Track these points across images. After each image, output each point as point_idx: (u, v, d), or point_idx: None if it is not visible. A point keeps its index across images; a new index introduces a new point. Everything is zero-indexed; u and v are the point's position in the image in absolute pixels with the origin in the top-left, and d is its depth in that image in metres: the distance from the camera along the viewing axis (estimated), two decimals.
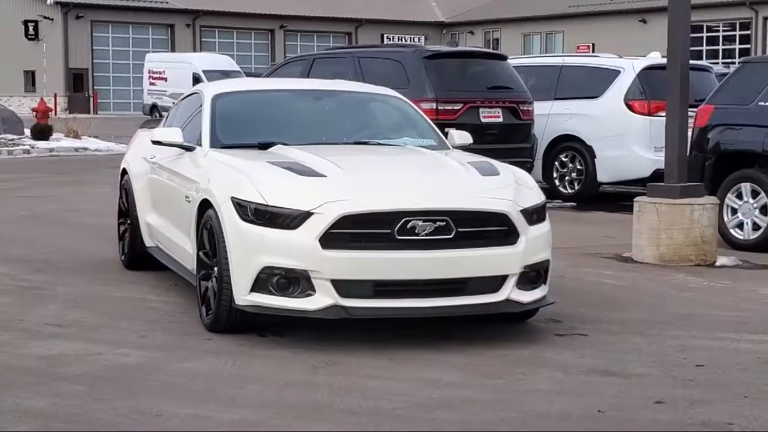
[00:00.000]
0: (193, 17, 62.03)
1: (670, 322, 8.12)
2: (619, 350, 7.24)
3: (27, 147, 26.05)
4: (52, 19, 59.10)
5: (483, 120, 14.78)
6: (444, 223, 7.03)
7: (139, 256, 9.63)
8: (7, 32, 59.72)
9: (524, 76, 16.84)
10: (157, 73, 48.60)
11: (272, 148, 8.09)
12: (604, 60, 17.00)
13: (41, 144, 26.51)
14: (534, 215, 7.46)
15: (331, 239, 6.89)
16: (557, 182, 16.75)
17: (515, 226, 7.23)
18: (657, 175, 13.83)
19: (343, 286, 6.93)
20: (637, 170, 15.90)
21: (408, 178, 7.51)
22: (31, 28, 59.72)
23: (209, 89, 8.99)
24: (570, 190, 16.61)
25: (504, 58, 16.03)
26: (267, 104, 8.96)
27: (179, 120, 9.26)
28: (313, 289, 6.94)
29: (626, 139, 15.99)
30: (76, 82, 59.68)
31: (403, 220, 6.95)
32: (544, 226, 7.55)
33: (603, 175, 16.28)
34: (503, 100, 15.05)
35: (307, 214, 6.92)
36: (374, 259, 6.94)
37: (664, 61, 16.50)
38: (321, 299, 6.92)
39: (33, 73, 60.29)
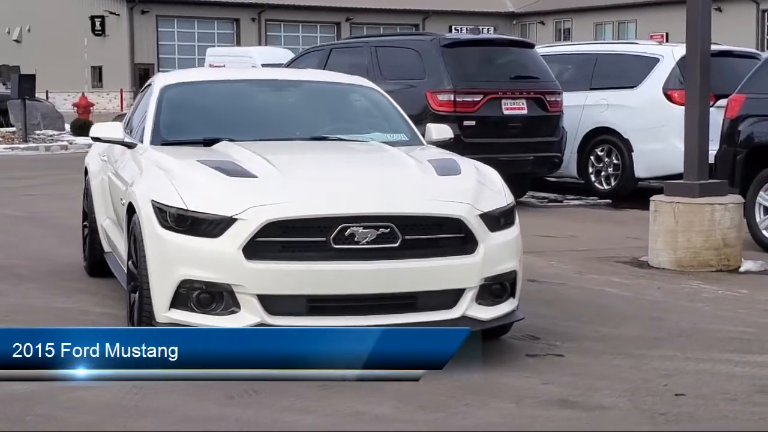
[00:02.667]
0: (259, 11, 61.50)
1: (665, 340, 7.17)
2: (592, 375, 6.31)
3: (65, 143, 25.59)
4: (118, 15, 58.97)
5: (505, 112, 13.84)
6: (388, 229, 6.16)
7: (99, 263, 8.86)
8: (74, 28, 59.75)
9: (558, 66, 15.89)
10: (218, 67, 48.04)
11: (217, 144, 7.27)
12: (642, 47, 15.91)
13: (80, 140, 26.02)
14: (499, 220, 6.56)
15: (256, 249, 6.06)
16: (593, 178, 15.69)
17: (472, 232, 6.33)
18: None
19: (271, 303, 6.10)
20: (677, 165, 14.60)
21: (351, 179, 6.63)
22: (97, 24, 59.70)
23: (160, 79, 8.21)
24: (606, 187, 15.54)
25: (531, 45, 15.05)
26: (221, 96, 8.13)
27: (138, 114, 8.48)
28: (238, 306, 6.11)
29: (665, 132, 14.86)
30: (142, 77, 59.48)
31: (340, 226, 6.10)
32: (510, 232, 6.63)
33: (641, 169, 15.19)
34: (528, 90, 14.08)
35: (231, 221, 6.09)
36: (307, 272, 6.10)
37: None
38: (246, 317, 6.09)
39: (100, 68, 60.24)
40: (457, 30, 63.04)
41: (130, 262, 6.82)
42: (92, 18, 59.41)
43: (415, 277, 6.23)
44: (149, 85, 8.50)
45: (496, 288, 6.53)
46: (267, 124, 7.81)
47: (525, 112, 14.00)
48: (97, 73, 60.61)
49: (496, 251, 6.45)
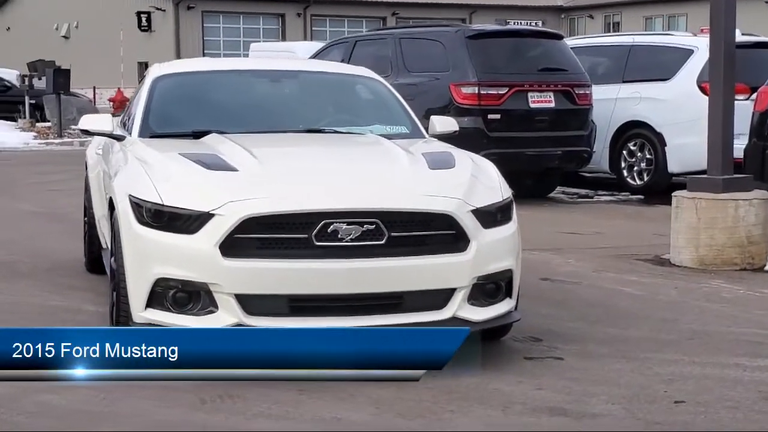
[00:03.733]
0: (304, 6, 61.29)
1: (674, 343, 6.80)
2: (590, 380, 5.97)
3: None
4: (164, 11, 59.01)
5: (532, 105, 13.46)
6: (373, 226, 5.85)
7: (98, 259, 8.60)
8: (120, 24, 59.88)
9: (590, 58, 15.49)
10: None
11: (205, 137, 6.99)
12: (676, 38, 15.47)
13: None
14: (494, 216, 6.23)
15: (234, 246, 5.77)
16: (625, 173, 15.22)
17: (463, 229, 6.00)
18: (735, 165, 12.31)
19: (250, 303, 5.81)
20: None
21: (337, 173, 6.32)
22: (143, 20, 59.77)
23: (154, 70, 7.96)
24: (638, 182, 15.09)
25: (560, 37, 14.64)
26: (214, 87, 7.85)
27: (133, 106, 8.21)
28: (216, 306, 5.83)
29: (700, 126, 14.21)
30: None
31: (323, 222, 5.79)
32: (506, 229, 6.30)
33: (674, 164, 14.71)
34: (556, 83, 13.69)
35: (208, 216, 5.81)
36: (288, 270, 5.80)
37: (744, 39, 15.04)
38: (223, 318, 5.80)
39: (146, 64, 60.21)
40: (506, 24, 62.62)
41: (112, 259, 6.57)
42: (138, 14, 59.51)
43: (402, 276, 5.92)
44: (146, 76, 8.24)
45: (490, 288, 6.20)
46: (261, 116, 7.53)
47: (552, 105, 13.62)
48: (143, 69, 60.62)
49: (490, 249, 6.12)
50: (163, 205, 5.91)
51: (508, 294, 6.32)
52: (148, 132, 7.23)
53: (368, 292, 5.88)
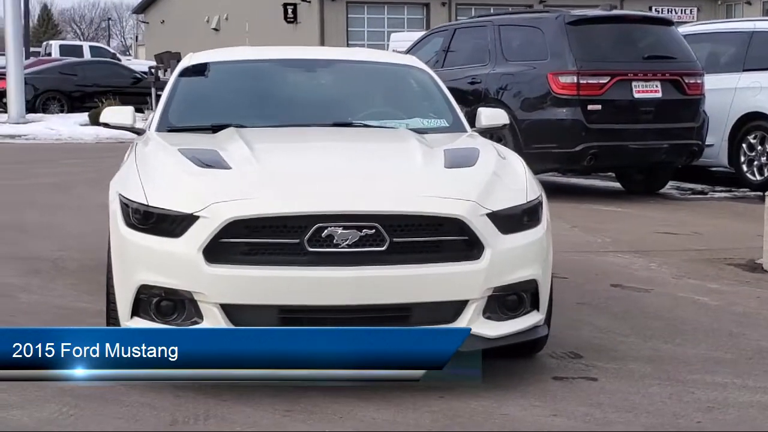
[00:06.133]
0: None
1: (730, 362, 6.06)
2: (616, 405, 5.30)
3: None
4: (309, 2, 59.13)
5: (636, 95, 12.64)
6: (372, 230, 5.27)
7: None
8: (268, 16, 60.35)
9: (708, 45, 14.59)
10: (401, 52, 47.53)
11: (221, 131, 6.51)
12: None
13: None
14: (516, 220, 5.57)
15: (220, 251, 5.26)
16: (744, 168, 14.24)
17: (476, 235, 5.37)
18: None
19: (237, 314, 5.29)
20: None
21: (339, 171, 5.75)
22: (289, 12, 60.05)
23: (185, 60, 7.52)
24: (759, 177, 14.08)
25: (669, 23, 13.74)
26: (243, 78, 7.37)
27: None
28: (201, 316, 5.34)
29: None
30: None
31: (316, 226, 5.24)
32: (532, 234, 5.64)
33: None
34: (663, 71, 12.82)
35: (192, 219, 5.31)
36: (278, 279, 5.26)
37: None
38: None
39: None
40: (657, 11, 60.81)
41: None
42: (285, 6, 59.78)
43: (405, 286, 5.33)
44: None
45: (511, 300, 5.56)
46: (288, 109, 7.02)
47: (659, 95, 12.77)
48: None
49: (510, 257, 5.48)
50: (148, 206, 5.45)
51: (534, 306, 5.66)
52: (166, 125, 6.80)
53: (366, 304, 5.30)
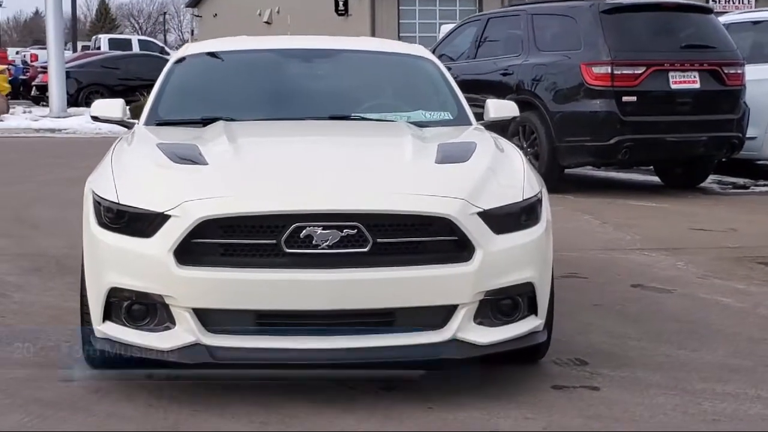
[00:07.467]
0: None
1: (746, 371, 5.66)
2: (614, 418, 4.94)
3: None
4: None
5: (673, 86, 12.19)
6: (354, 231, 4.93)
7: None
8: (319, 9, 60.08)
9: (752, 34, 14.08)
10: None
11: (212, 124, 6.21)
12: None
13: None
14: (511, 219, 5.20)
15: (192, 252, 4.95)
16: None
17: (466, 235, 5.01)
18: None
19: (210, 319, 4.98)
20: None
21: (321, 167, 5.41)
22: (341, 4, 59.68)
23: (181, 50, 7.24)
24: None
25: (708, 11, 13.24)
26: (239, 69, 7.07)
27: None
28: (173, 321, 5.03)
29: None
30: None
31: (294, 225, 4.91)
32: (529, 234, 5.26)
33: None
34: (701, 61, 12.36)
35: (163, 218, 5.01)
36: (254, 282, 4.94)
37: None
38: (179, 335, 5.00)
39: None
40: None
41: None
42: None
43: (388, 289, 4.99)
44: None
45: (505, 304, 5.20)
46: (283, 101, 6.71)
47: (697, 86, 12.31)
48: None
49: (503, 258, 5.11)
50: (119, 204, 5.16)
51: (532, 311, 5.30)
52: (155, 119, 6.51)
53: (348, 309, 4.97)
